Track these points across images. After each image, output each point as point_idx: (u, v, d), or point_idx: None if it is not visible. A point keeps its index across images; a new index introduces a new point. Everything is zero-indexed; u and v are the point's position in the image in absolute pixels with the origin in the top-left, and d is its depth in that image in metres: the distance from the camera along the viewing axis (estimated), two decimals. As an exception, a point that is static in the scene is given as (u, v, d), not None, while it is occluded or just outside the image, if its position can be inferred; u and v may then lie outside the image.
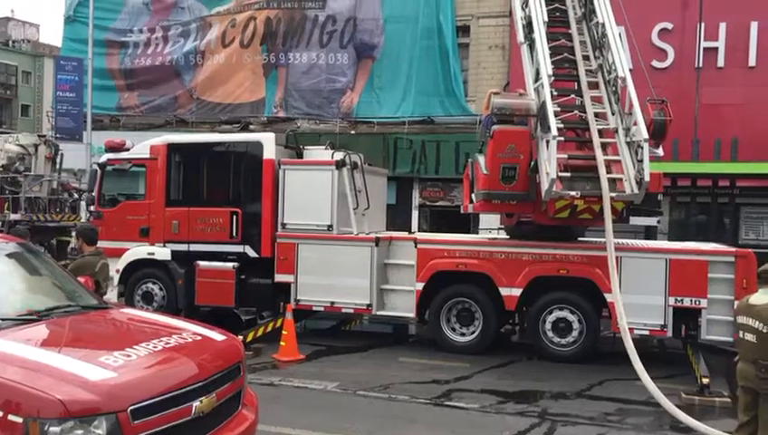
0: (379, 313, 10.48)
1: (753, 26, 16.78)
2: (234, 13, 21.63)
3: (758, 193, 15.86)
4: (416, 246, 10.31)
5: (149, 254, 11.19)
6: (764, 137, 15.49)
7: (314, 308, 10.75)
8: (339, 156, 10.70)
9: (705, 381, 7.87)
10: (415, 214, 19.98)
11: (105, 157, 11.84)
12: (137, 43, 22.48)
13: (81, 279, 5.90)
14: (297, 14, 21.03)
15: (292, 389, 8.09)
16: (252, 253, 10.80)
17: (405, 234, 11.59)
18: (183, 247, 11.06)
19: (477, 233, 14.99)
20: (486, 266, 9.90)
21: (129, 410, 3.66)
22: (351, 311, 10.65)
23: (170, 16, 22.34)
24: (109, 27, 22.48)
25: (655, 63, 16.63)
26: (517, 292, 9.70)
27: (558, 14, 10.24)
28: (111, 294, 10.93)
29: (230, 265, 10.78)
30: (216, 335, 4.95)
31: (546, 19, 9.58)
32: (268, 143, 10.87)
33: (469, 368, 9.15)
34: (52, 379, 3.63)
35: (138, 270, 11.28)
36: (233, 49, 21.58)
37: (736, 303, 6.61)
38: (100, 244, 11.27)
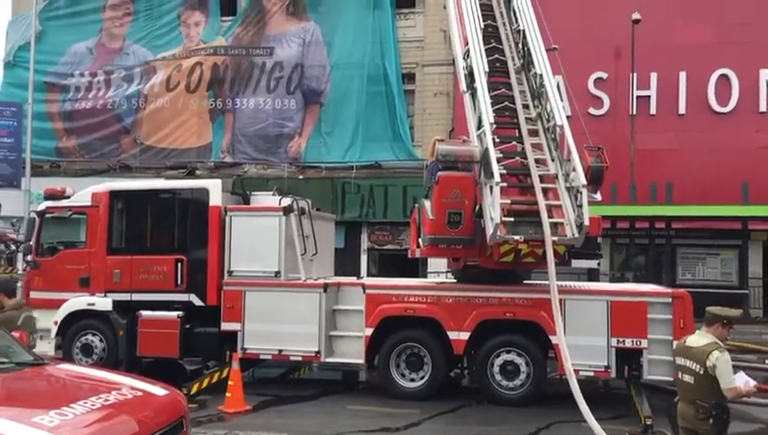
0: (327, 359, 10.34)
1: (682, 76, 17.77)
2: (180, 58, 21.63)
3: (693, 235, 16.55)
4: (364, 292, 10.28)
5: (89, 304, 10.82)
6: (697, 180, 16.24)
7: (262, 357, 10.55)
8: (286, 202, 10.68)
9: (648, 421, 8.01)
10: (364, 258, 20.05)
11: (44, 205, 11.50)
12: (78, 86, 22.18)
13: (16, 334, 5.69)
14: (245, 60, 21.20)
15: (238, 442, 7.87)
16: (197, 301, 10.58)
17: (353, 279, 11.56)
18: (125, 297, 10.74)
19: (426, 276, 15.11)
20: (434, 311, 9.94)
21: (64, 473, 3.52)
22: (300, 358, 10.49)
23: (114, 61, 22.19)
24: (49, 71, 22.14)
25: (592, 111, 17.37)
26: (465, 336, 9.74)
27: (498, 64, 10.59)
28: (48, 347, 10.55)
29: (174, 314, 10.52)
30: (158, 390, 4.82)
31: (487, 69, 9.88)
32: (214, 189, 10.77)
33: (419, 414, 9.09)
34: (-18, 443, 3.47)
35: (77, 321, 10.89)
36: (178, 93, 21.52)
37: (675, 343, 6.81)
38: (38, 295, 11.14)
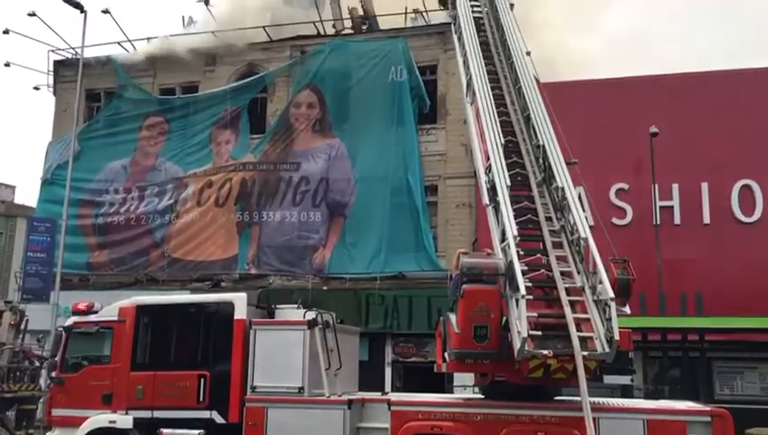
0: (352, 481, 9.93)
1: (704, 187, 17.86)
2: (210, 174, 22.37)
3: (728, 347, 15.99)
4: (389, 408, 10.01)
5: (110, 422, 10.64)
6: (727, 291, 15.91)
7: (284, 477, 10.16)
8: (311, 316, 10.64)
9: None
10: (388, 371, 19.63)
11: (71, 320, 11.60)
12: (112, 202, 22.92)
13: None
14: (272, 175, 21.84)
15: None
16: (219, 419, 10.35)
17: (378, 395, 11.27)
18: (146, 414, 10.57)
19: (452, 391, 14.70)
20: (462, 429, 9.58)
21: None
22: (323, 480, 10.08)
23: (146, 178, 22.99)
24: (85, 188, 22.97)
25: (615, 221, 17.40)
26: (496, 456, 9.34)
27: (519, 178, 10.77)
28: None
29: (195, 432, 10.27)
30: None
31: (509, 184, 10.03)
32: (239, 303, 10.81)
33: None
34: None
35: (96, 440, 10.67)
36: (207, 207, 22.08)
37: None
38: (60, 412, 11.02)
